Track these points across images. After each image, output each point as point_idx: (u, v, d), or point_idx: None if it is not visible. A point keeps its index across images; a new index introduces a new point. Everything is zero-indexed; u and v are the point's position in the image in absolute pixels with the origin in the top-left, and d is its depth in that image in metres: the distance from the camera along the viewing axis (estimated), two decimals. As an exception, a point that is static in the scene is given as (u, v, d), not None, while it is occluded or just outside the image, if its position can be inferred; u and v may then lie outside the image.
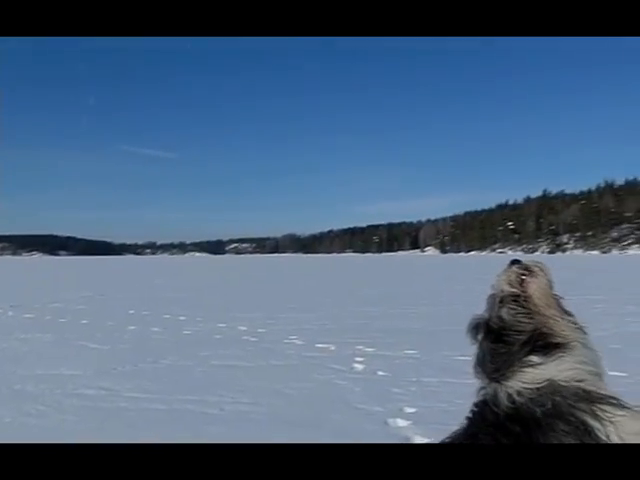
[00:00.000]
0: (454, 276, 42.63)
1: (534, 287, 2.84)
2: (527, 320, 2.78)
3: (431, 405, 7.23)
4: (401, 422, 6.58)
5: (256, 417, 6.86)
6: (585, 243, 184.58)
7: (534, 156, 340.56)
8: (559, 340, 2.74)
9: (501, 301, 2.86)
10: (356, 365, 9.82)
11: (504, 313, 2.82)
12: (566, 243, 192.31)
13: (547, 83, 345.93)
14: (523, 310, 2.80)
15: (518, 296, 2.83)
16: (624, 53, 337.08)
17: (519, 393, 2.68)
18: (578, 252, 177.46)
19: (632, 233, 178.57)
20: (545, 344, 2.73)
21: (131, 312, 18.27)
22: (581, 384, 2.63)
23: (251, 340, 12.60)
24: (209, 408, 7.29)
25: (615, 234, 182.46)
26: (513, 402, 2.67)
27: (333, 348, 11.44)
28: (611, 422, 2.51)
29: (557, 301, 2.90)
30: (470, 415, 2.86)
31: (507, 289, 2.85)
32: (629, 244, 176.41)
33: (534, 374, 2.69)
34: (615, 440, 2.48)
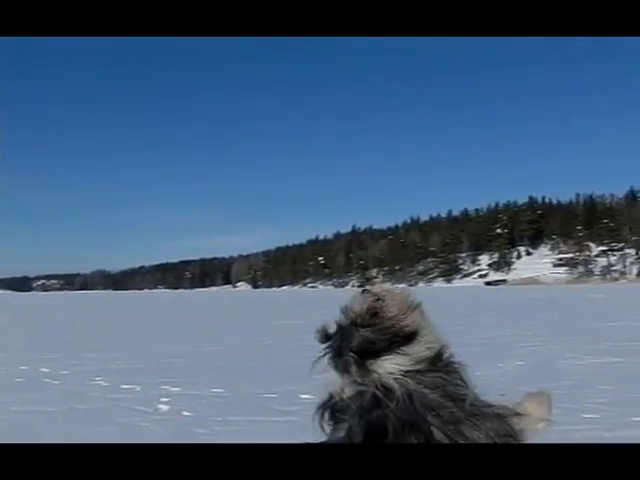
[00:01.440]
0: (264, 311, 42.88)
1: (388, 309, 2.86)
2: (383, 328, 2.81)
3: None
4: (204, 463, 6.50)
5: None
6: (393, 276, 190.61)
7: (343, 192, 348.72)
8: (412, 329, 2.80)
9: (354, 323, 2.85)
10: (161, 406, 9.65)
11: (360, 324, 2.83)
12: (375, 277, 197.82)
13: (353, 125, 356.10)
14: (379, 323, 2.82)
15: (373, 314, 2.85)
16: (431, 95, 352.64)
17: (405, 375, 2.70)
18: (386, 285, 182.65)
19: (436, 267, 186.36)
20: (403, 337, 2.78)
21: None
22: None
23: (53, 383, 12.14)
24: (3, 457, 6.94)
25: (421, 267, 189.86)
26: (409, 394, 2.68)
27: (139, 389, 11.20)
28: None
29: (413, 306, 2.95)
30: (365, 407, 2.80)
31: (363, 309, 2.87)
32: (434, 277, 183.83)
33: (407, 359, 2.73)
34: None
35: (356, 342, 2.80)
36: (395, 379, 2.69)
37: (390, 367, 2.73)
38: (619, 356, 14.15)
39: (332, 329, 2.90)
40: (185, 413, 9.09)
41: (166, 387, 11.21)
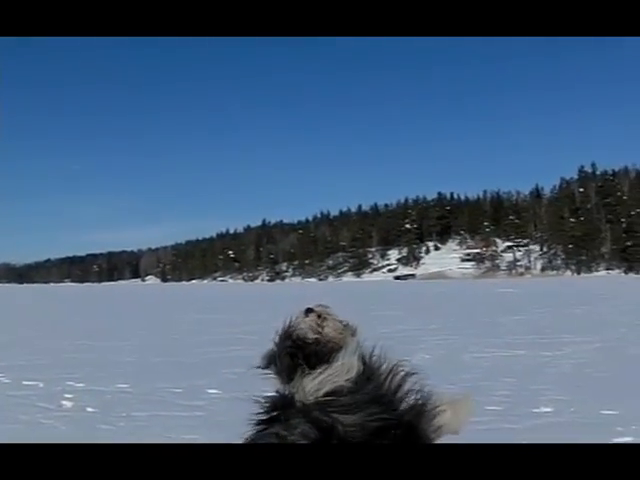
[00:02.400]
0: (172, 305, 42.52)
1: (329, 329, 3.19)
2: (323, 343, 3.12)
3: (139, 440, 7.11)
4: (108, 460, 6.40)
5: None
6: (303, 271, 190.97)
7: (253, 186, 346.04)
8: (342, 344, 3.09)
9: (301, 345, 3.12)
10: (65, 402, 9.48)
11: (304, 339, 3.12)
12: (285, 271, 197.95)
13: (262, 118, 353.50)
14: (320, 348, 3.10)
15: (317, 339, 3.14)
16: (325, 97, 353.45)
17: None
18: (297, 280, 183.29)
19: (346, 261, 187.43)
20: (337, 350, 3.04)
21: None
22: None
23: (-49, 380, 11.79)
24: None
25: (331, 262, 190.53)
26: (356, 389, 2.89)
27: (42, 385, 10.97)
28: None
29: (347, 330, 3.28)
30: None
31: (310, 335, 3.15)
32: (344, 271, 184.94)
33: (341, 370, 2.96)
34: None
35: (300, 352, 3.02)
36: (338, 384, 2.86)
37: (328, 377, 2.88)
38: (522, 349, 14.51)
39: (273, 348, 3.06)
40: (89, 409, 8.95)
41: (70, 383, 11.01)
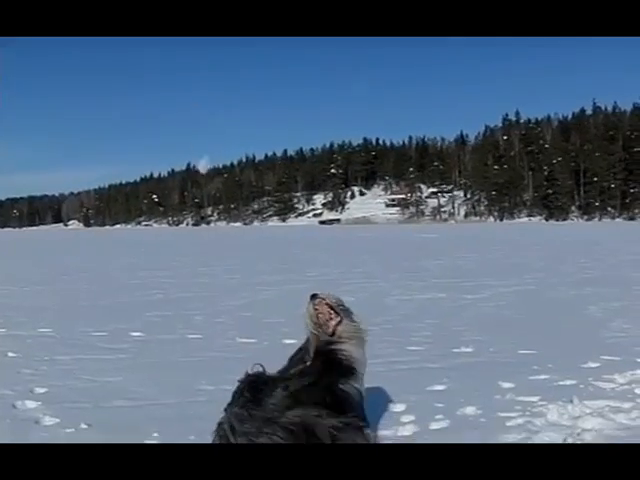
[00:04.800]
0: (95, 250, 42.03)
1: (341, 327, 4.34)
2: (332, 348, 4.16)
3: (62, 384, 7.08)
4: (30, 404, 6.36)
5: None
6: (228, 215, 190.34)
7: (178, 130, 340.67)
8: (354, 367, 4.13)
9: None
10: (-16, 347, 9.34)
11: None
12: (210, 215, 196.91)
13: (184, 59, 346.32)
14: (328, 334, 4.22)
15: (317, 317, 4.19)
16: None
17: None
18: (222, 224, 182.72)
19: (272, 205, 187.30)
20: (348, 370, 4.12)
21: None
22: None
23: None
24: None
25: (256, 206, 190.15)
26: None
27: (-40, 330, 10.79)
28: None
29: (345, 310, 4.43)
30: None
31: (310, 326, 4.20)
32: (269, 216, 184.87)
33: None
34: None
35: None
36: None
37: None
38: (443, 292, 14.78)
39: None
40: (10, 354, 8.82)
41: (-10, 328, 10.85)
